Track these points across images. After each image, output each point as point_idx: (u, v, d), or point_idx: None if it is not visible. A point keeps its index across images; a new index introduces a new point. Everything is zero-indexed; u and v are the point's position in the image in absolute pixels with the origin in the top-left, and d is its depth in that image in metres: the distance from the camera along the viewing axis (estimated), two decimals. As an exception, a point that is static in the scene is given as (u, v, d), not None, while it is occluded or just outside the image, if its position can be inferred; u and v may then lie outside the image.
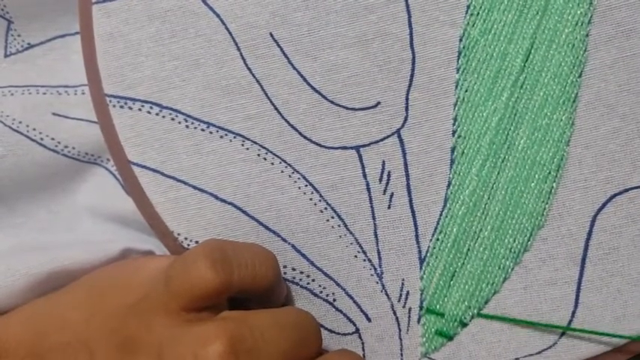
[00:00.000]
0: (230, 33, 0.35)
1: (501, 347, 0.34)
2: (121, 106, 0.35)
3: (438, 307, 0.34)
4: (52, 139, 0.37)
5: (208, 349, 0.30)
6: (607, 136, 0.33)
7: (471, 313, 0.34)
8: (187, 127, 0.35)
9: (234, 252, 0.32)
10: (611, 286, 0.33)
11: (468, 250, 0.34)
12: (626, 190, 0.33)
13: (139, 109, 0.35)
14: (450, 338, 0.34)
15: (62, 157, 0.37)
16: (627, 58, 0.33)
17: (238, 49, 0.35)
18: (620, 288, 0.33)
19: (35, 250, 0.36)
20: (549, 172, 0.33)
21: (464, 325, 0.34)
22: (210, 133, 0.35)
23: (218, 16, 0.35)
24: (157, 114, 0.35)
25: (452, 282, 0.34)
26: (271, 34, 0.35)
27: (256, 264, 0.32)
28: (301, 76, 0.35)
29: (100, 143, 0.37)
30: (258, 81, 0.35)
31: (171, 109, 0.35)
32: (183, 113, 0.35)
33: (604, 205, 0.33)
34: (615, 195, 0.33)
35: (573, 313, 0.33)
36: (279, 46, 0.35)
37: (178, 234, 0.35)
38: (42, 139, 0.37)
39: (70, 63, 0.38)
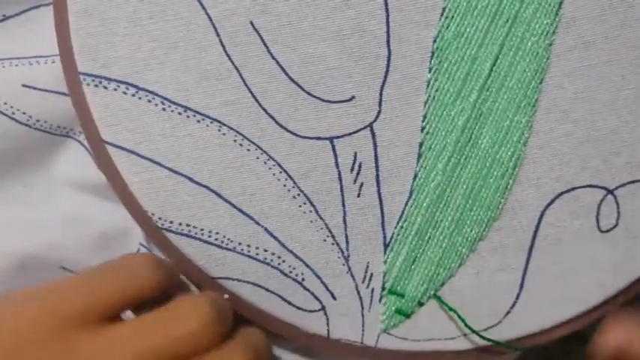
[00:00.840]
0: (210, 18, 0.35)
1: (452, 324, 0.37)
2: (96, 85, 0.35)
3: (399, 288, 0.37)
4: (24, 113, 0.37)
5: None
6: (560, 139, 0.36)
7: (428, 295, 0.37)
8: (164, 109, 0.36)
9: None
10: (552, 273, 0.37)
11: (429, 237, 0.37)
12: (573, 189, 0.37)
13: (115, 89, 0.35)
14: (408, 316, 0.37)
15: (35, 130, 0.37)
16: (584, 68, 0.36)
17: (218, 35, 0.35)
18: (561, 275, 0.37)
19: (12, 229, 0.36)
20: (507, 170, 0.36)
21: (421, 304, 0.37)
22: (187, 117, 0.36)
23: (198, 0, 0.35)
24: (132, 95, 0.35)
25: (413, 266, 0.37)
26: (251, 23, 0.35)
27: (141, 271, 0.33)
28: (279, 65, 0.35)
29: (71, 116, 0.36)
30: (236, 68, 0.35)
31: (147, 90, 0.35)
32: (160, 96, 0.35)
33: (552, 201, 0.37)
34: (562, 193, 0.37)
35: (518, 295, 0.37)
36: (258, 34, 0.35)
37: (152, 213, 0.36)
38: (13, 113, 0.37)
39: (43, 34, 0.37)
